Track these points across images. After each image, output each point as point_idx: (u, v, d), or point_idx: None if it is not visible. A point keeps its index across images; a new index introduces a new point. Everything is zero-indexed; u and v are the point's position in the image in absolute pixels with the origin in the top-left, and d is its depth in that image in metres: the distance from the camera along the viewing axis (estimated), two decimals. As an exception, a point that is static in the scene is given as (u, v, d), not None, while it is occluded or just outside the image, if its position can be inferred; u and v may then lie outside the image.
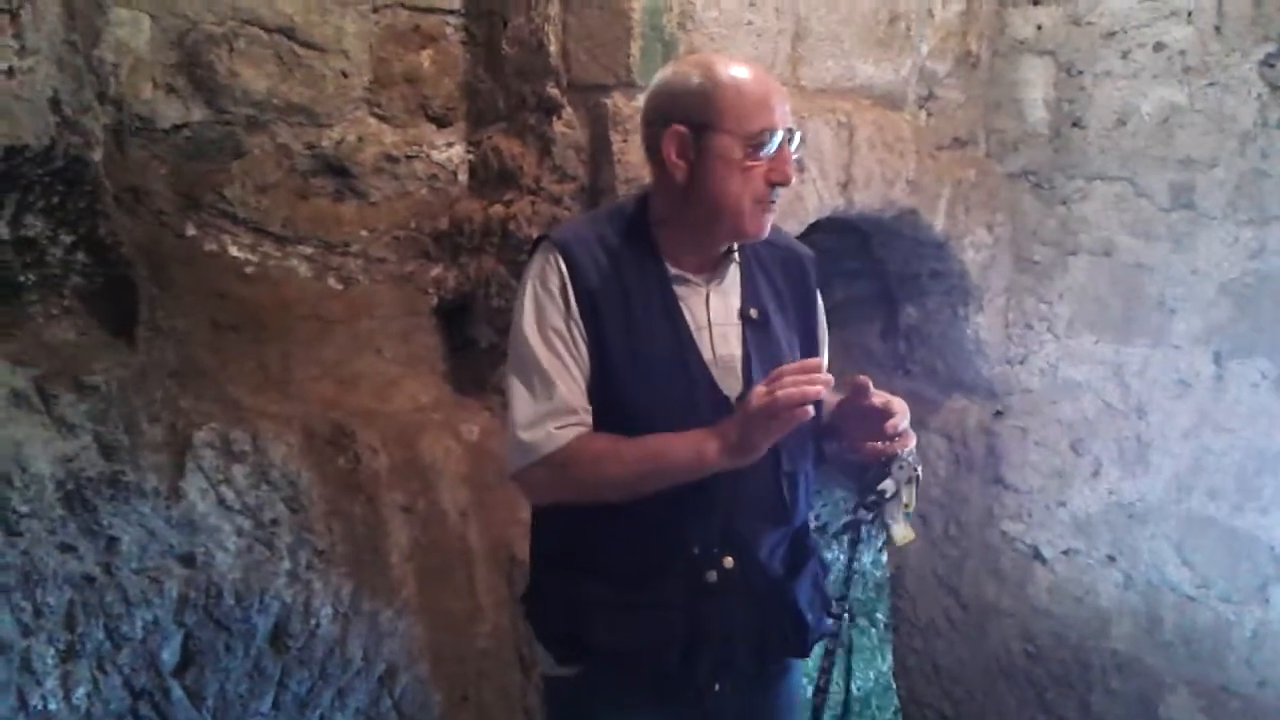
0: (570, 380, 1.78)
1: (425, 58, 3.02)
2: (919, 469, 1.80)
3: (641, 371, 1.77)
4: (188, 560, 2.41)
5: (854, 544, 1.92)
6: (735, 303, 1.86)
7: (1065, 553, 3.37)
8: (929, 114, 3.21)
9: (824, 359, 2.00)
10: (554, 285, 1.79)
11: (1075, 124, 3.25)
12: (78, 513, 2.30)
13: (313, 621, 2.52)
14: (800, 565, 1.93)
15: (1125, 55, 3.15)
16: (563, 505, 1.84)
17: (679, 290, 1.83)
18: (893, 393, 1.94)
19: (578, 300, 1.78)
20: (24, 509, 2.23)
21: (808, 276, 2.00)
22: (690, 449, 1.71)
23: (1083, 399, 3.32)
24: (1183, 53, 3.06)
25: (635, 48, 2.63)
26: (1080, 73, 3.23)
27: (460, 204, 3.07)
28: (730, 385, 1.81)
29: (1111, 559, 3.28)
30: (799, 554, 1.95)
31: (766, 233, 1.81)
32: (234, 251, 2.80)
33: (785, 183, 1.76)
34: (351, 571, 2.57)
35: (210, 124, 2.75)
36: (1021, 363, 3.43)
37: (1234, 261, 3.02)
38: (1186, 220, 3.09)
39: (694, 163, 1.77)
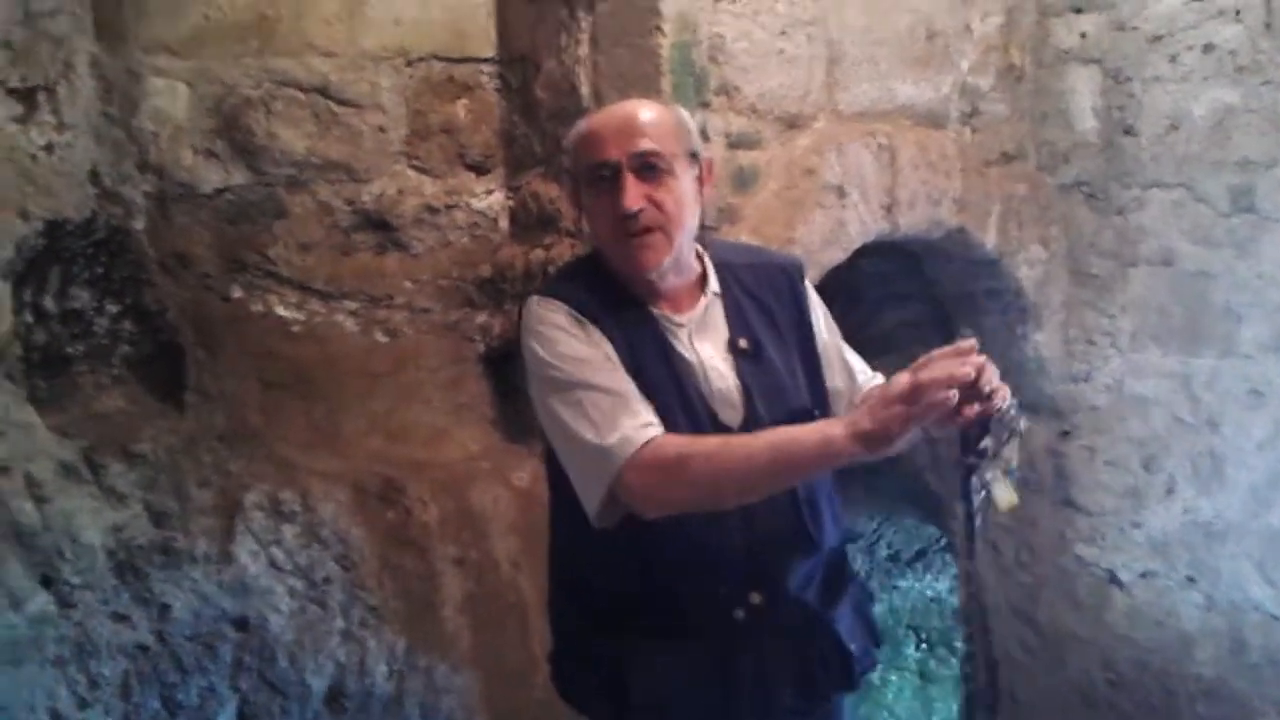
0: (625, 383, 1.68)
1: (461, 107, 3.02)
2: (1022, 422, 1.62)
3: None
4: (241, 624, 2.42)
5: (969, 517, 1.68)
6: (723, 335, 1.81)
7: (1143, 575, 3.25)
8: (974, 130, 3.14)
9: (840, 351, 1.93)
10: (563, 321, 1.73)
11: (1127, 131, 3.16)
12: (129, 581, 2.32)
13: (368, 680, 2.50)
14: (838, 594, 1.86)
15: (1174, 59, 3.06)
16: (578, 561, 1.81)
17: (668, 332, 1.79)
18: None
19: (598, 330, 1.73)
20: (76, 580, 2.25)
21: (795, 285, 1.92)
22: (816, 434, 1.58)
23: (1152, 414, 3.20)
24: (1233, 52, 2.97)
25: (666, 84, 2.60)
26: (1128, 79, 3.14)
27: (502, 250, 3.06)
28: (731, 418, 1.76)
29: (1191, 580, 3.16)
30: (836, 582, 1.87)
31: (652, 265, 1.73)
32: (280, 311, 2.82)
33: (627, 214, 1.69)
34: (405, 627, 2.56)
35: (251, 186, 2.78)
36: (1086, 380, 3.33)
37: (1302, 264, 2.91)
38: (1248, 224, 2.99)
39: (583, 215, 1.82)
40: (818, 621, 1.81)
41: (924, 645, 5.53)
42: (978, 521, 1.62)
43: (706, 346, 1.80)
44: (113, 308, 2.47)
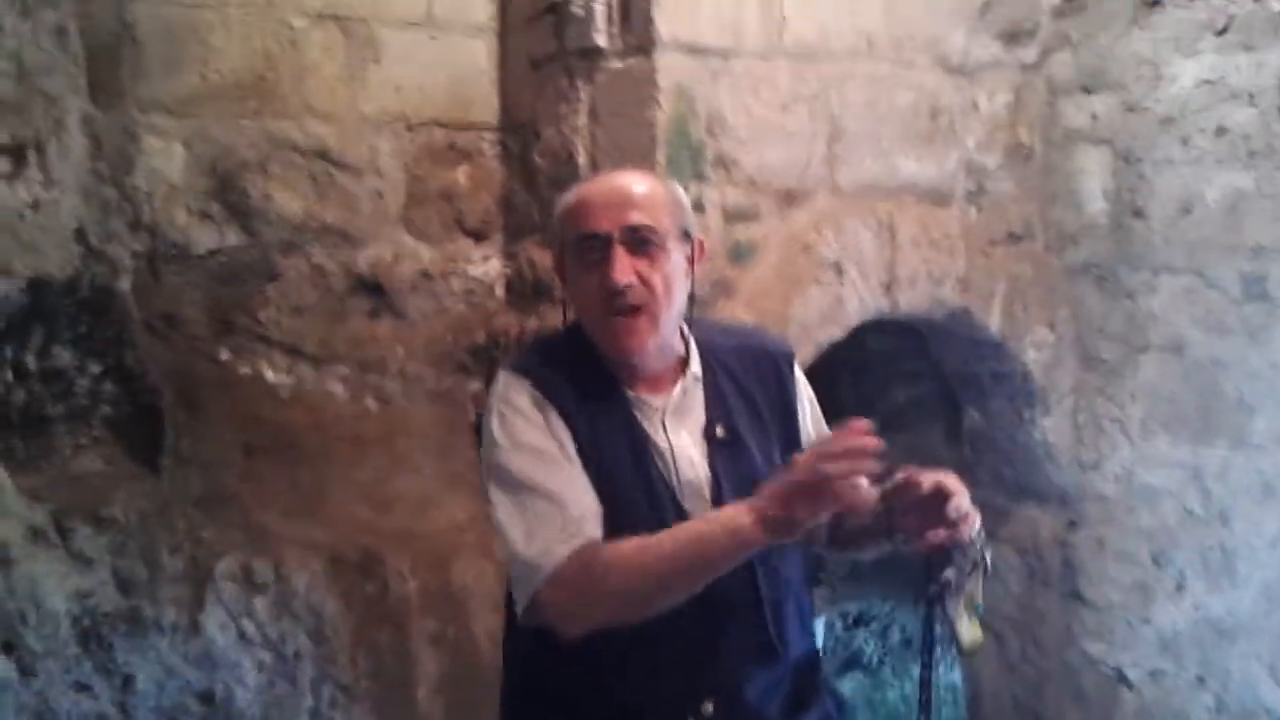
0: (568, 484, 1.62)
1: (461, 174, 3.00)
2: (987, 557, 1.57)
3: (607, 499, 1.63)
4: (206, 698, 2.35)
5: (927, 649, 1.69)
6: (700, 421, 1.73)
7: (1151, 674, 3.13)
8: (980, 209, 3.09)
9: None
10: (525, 404, 1.66)
11: (1137, 214, 3.10)
12: (93, 650, 2.26)
13: (336, 760, 2.42)
14: (805, 708, 1.75)
15: (1185, 141, 3.01)
16: (533, 650, 1.70)
17: (638, 414, 1.71)
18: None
19: (558, 416, 1.66)
20: (38, 647, 2.20)
21: (782, 373, 1.83)
22: (722, 527, 1.51)
23: (1162, 506, 3.11)
24: (1246, 136, 2.92)
25: (661, 156, 2.58)
26: (1139, 160, 3.09)
27: (497, 318, 3.02)
28: (698, 510, 1.66)
29: (1201, 680, 3.04)
30: (804, 695, 1.76)
31: (636, 348, 1.65)
32: (269, 375, 2.77)
33: (614, 289, 1.61)
34: (376, 707, 2.49)
35: (245, 248, 2.75)
36: (1095, 468, 3.23)
37: (1315, 354, 2.83)
38: (1261, 312, 2.91)
39: (565, 280, 1.76)
40: None
41: (935, 733, 5.37)
42: (937, 654, 1.57)
43: (681, 433, 1.71)
44: (95, 368, 2.43)
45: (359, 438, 2.84)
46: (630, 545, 1.56)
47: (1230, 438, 2.98)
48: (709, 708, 1.64)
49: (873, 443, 1.43)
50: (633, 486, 1.66)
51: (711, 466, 1.70)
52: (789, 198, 2.76)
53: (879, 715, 5.16)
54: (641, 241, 1.64)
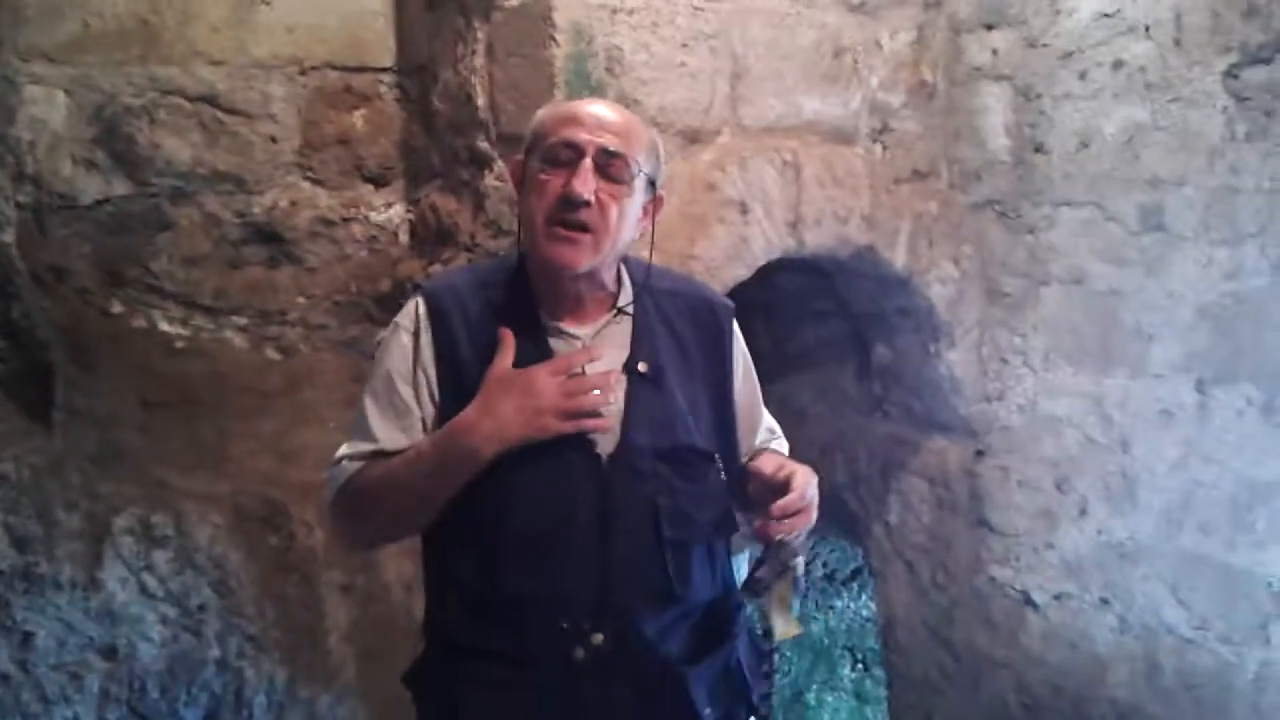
0: (387, 425, 1.69)
1: (359, 118, 2.95)
2: (798, 562, 1.61)
3: None
4: (109, 653, 2.32)
5: (749, 631, 1.82)
6: (623, 356, 1.72)
7: (1057, 597, 3.20)
8: (885, 147, 3.09)
9: (752, 410, 1.90)
10: (407, 329, 1.72)
11: (1038, 149, 3.12)
12: (-12, 609, 2.21)
13: (245, 712, 2.41)
14: (706, 651, 1.74)
15: (1084, 75, 3.03)
16: (442, 576, 1.74)
17: (554, 343, 1.71)
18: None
19: (435, 347, 1.69)
20: (-71, 608, 2.15)
21: (720, 323, 1.84)
22: (442, 433, 1.64)
23: (1064, 434, 3.16)
24: (1143, 69, 2.94)
25: (559, 96, 2.53)
26: (1039, 96, 3.11)
27: (402, 265, 2.98)
28: (606, 442, 1.68)
29: (1105, 602, 3.11)
30: (708, 638, 1.75)
31: (569, 263, 1.65)
32: (164, 326, 2.73)
33: (573, 198, 1.61)
34: (286, 657, 2.47)
35: (133, 197, 2.69)
36: (999, 399, 3.29)
37: (1210, 283, 2.88)
38: (1158, 243, 2.95)
39: (520, 187, 1.74)
40: (669, 677, 1.70)
41: (860, 665, 5.49)
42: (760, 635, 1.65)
43: (599, 364, 1.70)
44: (-21, 323, 2.37)
45: (261, 389, 2.80)
46: (381, 466, 1.68)
47: (1130, 367, 3.03)
48: (599, 638, 1.65)
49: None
50: None
51: (629, 399, 1.69)
52: (692, 137, 2.73)
53: (803, 648, 5.26)
54: (611, 168, 1.64)
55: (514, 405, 1.61)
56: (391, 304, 2.98)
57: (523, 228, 1.72)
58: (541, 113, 1.75)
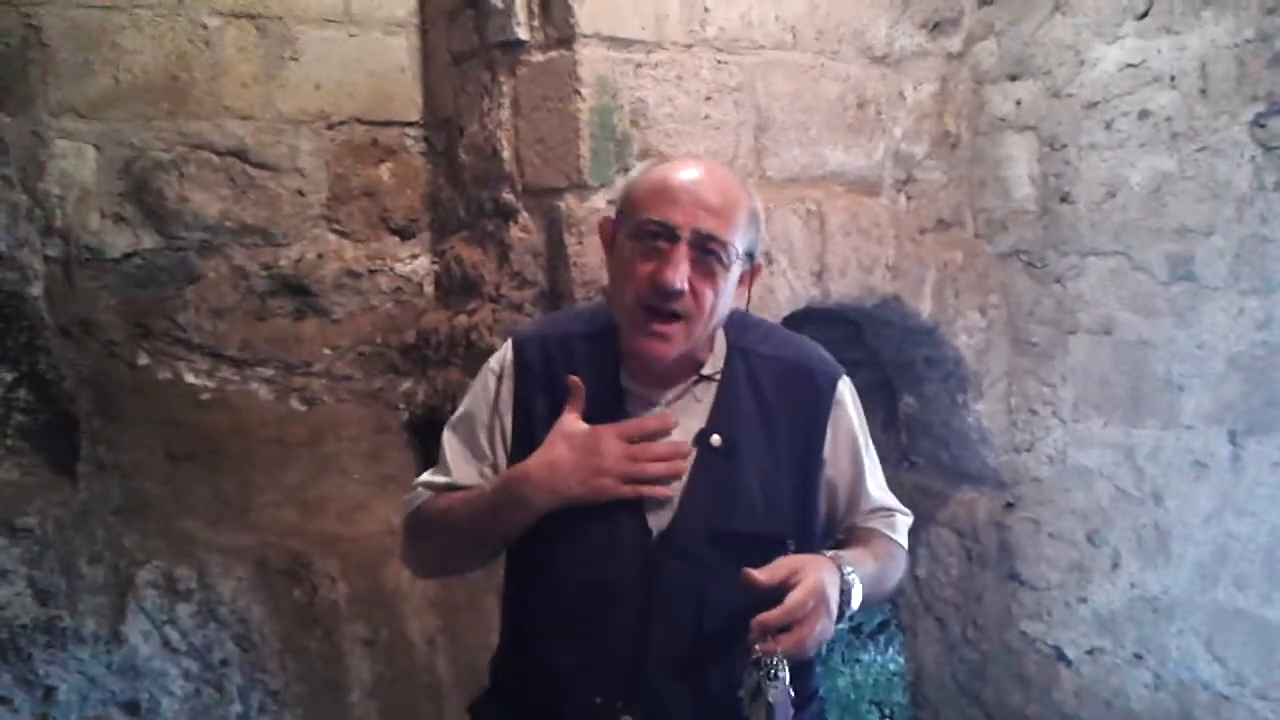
0: (462, 462, 1.72)
1: (385, 171, 2.97)
2: (772, 687, 1.43)
3: None
4: (131, 708, 2.31)
5: None
6: (699, 425, 1.65)
7: (1090, 652, 3.14)
8: (909, 197, 3.09)
9: (852, 487, 1.76)
10: (494, 373, 1.72)
11: (1063, 199, 3.11)
12: (11, 663, 2.21)
13: (266, 767, 2.38)
14: None
15: (1109, 125, 3.02)
16: (505, 633, 1.76)
17: (631, 407, 1.66)
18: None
19: (515, 396, 1.68)
20: (-47, 662, 2.14)
21: (820, 395, 1.70)
22: (502, 478, 1.65)
23: (1095, 486, 3.12)
24: (1169, 119, 2.93)
25: (585, 149, 2.55)
26: (1064, 146, 3.10)
27: (427, 316, 3.00)
28: (662, 517, 1.61)
29: (1139, 657, 3.05)
30: None
31: (660, 356, 1.59)
32: (189, 378, 2.74)
33: (663, 285, 1.53)
34: (308, 712, 2.45)
35: (161, 251, 2.72)
36: (1029, 450, 3.25)
37: (1241, 333, 2.84)
38: (1188, 293, 2.92)
39: (612, 259, 1.68)
40: None
41: (887, 720, 5.40)
42: None
43: (675, 434, 1.63)
44: (7, 375, 2.38)
45: (285, 441, 2.81)
46: (442, 500, 1.71)
47: (1161, 417, 2.99)
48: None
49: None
50: None
51: (692, 474, 1.62)
52: (717, 189, 2.73)
53: (829, 702, 5.16)
54: (707, 251, 1.57)
55: (574, 462, 1.57)
56: (416, 355, 3.00)
57: (612, 300, 1.66)
58: (636, 176, 1.67)
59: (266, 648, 2.43)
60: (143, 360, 2.67)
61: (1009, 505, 3.28)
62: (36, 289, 2.41)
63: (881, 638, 5.34)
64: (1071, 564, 3.17)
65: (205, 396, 2.72)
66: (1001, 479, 3.29)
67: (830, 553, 1.61)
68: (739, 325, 1.72)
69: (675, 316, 1.56)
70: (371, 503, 2.86)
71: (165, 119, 2.68)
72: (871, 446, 1.81)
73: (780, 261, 2.79)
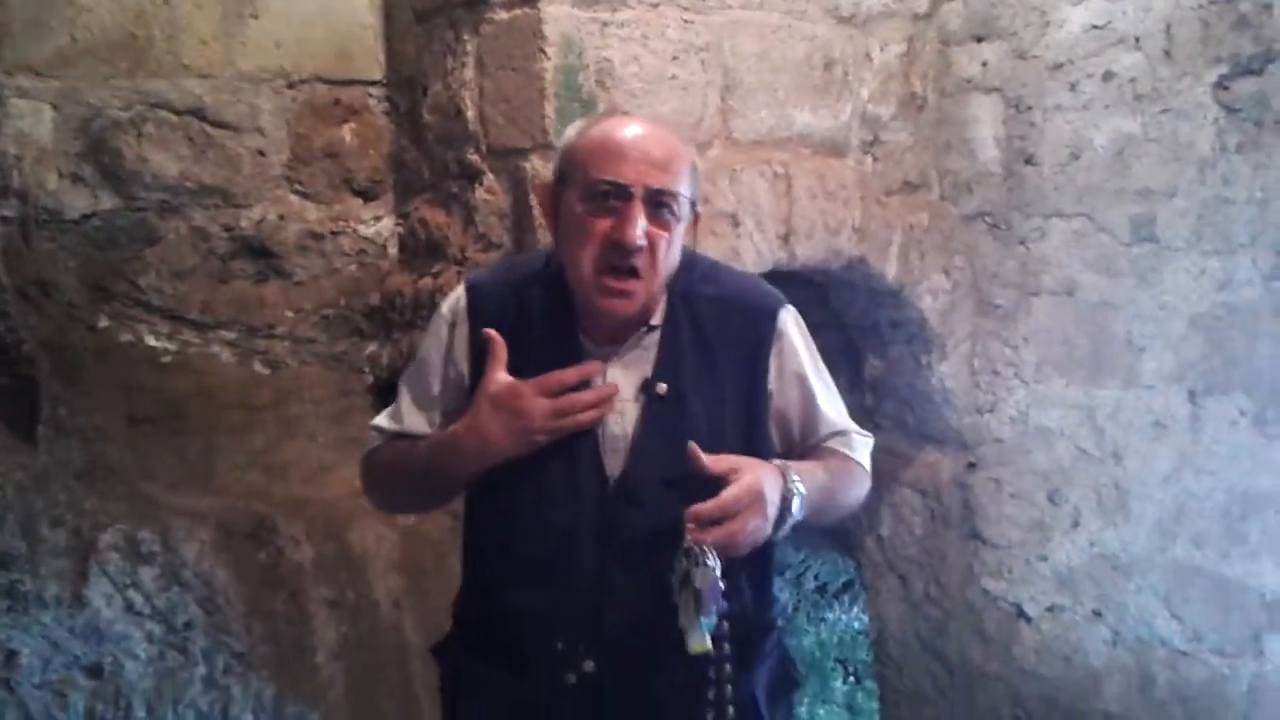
0: (413, 410, 1.75)
1: (347, 131, 2.93)
2: (700, 574, 1.45)
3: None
4: (94, 671, 2.29)
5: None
6: (644, 374, 1.67)
7: (1050, 610, 3.19)
8: (875, 159, 3.09)
9: (804, 413, 1.77)
10: (446, 320, 1.74)
11: (1028, 161, 3.12)
12: (-28, 627, 2.19)
13: (232, 729, 2.38)
14: (715, 682, 1.62)
15: (1074, 87, 3.03)
16: (465, 570, 1.79)
17: (582, 361, 1.67)
18: None
19: (469, 341, 1.70)
20: (-88, 627, 2.12)
21: (760, 330, 1.72)
22: (434, 440, 1.70)
23: (1056, 446, 3.16)
24: (1133, 80, 2.94)
25: (550, 108, 2.53)
26: (1029, 108, 3.11)
27: (391, 278, 2.97)
28: (617, 465, 1.64)
29: (1098, 614, 3.10)
30: (719, 672, 1.63)
31: (620, 313, 1.61)
32: (150, 341, 2.70)
33: (624, 243, 1.55)
34: (274, 674, 2.44)
35: (121, 211, 2.67)
36: (991, 411, 3.28)
37: (1202, 294, 2.87)
38: (1149, 254, 2.95)
39: (556, 221, 1.68)
40: (666, 711, 1.65)
41: (851, 678, 5.47)
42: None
43: (622, 384, 1.66)
44: (-36, 339, 2.35)
45: (248, 404, 2.79)
46: (389, 449, 1.76)
47: (1121, 378, 3.03)
48: (589, 665, 1.63)
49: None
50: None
51: (641, 421, 1.65)
52: (683, 149, 2.72)
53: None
54: (661, 206, 1.58)
55: (503, 425, 1.60)
56: (380, 318, 2.97)
57: (566, 265, 1.65)
58: (574, 137, 1.66)
59: (231, 610, 2.42)
60: (103, 323, 2.63)
61: (971, 465, 3.32)
62: (-8, 251, 2.37)
63: (846, 597, 5.40)
64: (1032, 523, 3.22)
65: (167, 360, 2.69)
66: (964, 440, 3.32)
67: (778, 461, 1.64)
68: (681, 268, 1.73)
69: (634, 273, 1.58)
70: (336, 465, 2.85)
71: (123, 77, 2.63)
72: (824, 372, 1.83)
73: (746, 224, 2.79)
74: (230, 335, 2.78)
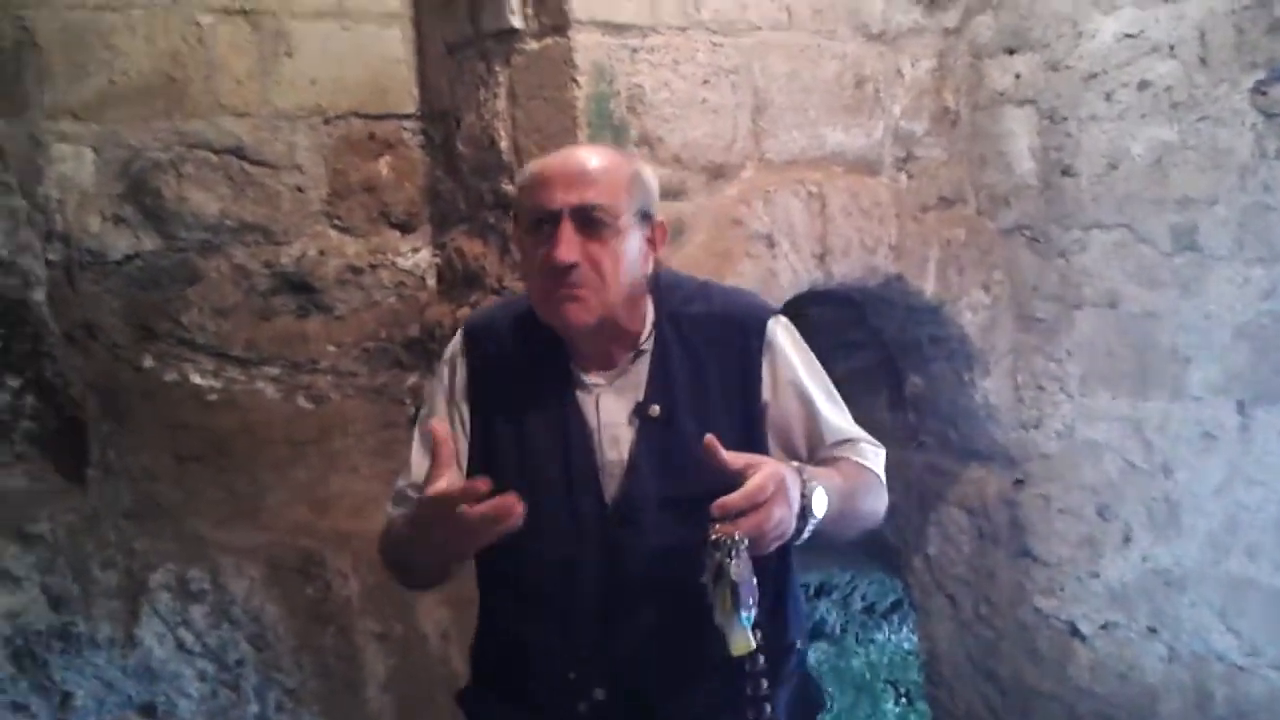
0: (421, 458, 1.71)
1: (383, 164, 2.95)
2: (730, 565, 1.38)
3: (528, 474, 1.63)
4: (148, 710, 2.32)
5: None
6: (636, 399, 1.67)
7: (1104, 627, 3.14)
8: (909, 175, 3.08)
9: (807, 424, 1.72)
10: (447, 363, 1.77)
11: (1065, 172, 3.09)
12: (28, 669, 2.22)
13: (285, 765, 2.39)
14: (733, 706, 1.59)
15: (1109, 97, 3.00)
16: (480, 611, 1.78)
17: (580, 395, 1.68)
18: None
19: (468, 385, 1.72)
20: (-31, 670, 2.14)
21: (748, 344, 1.69)
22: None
23: (1104, 460, 3.11)
24: (1169, 89, 2.91)
25: (583, 136, 2.54)
26: (1064, 119, 3.08)
27: (430, 309, 2.98)
28: (613, 491, 1.64)
29: (1153, 630, 3.05)
30: (732, 700, 1.60)
31: (576, 324, 1.61)
32: (195, 379, 2.73)
33: (553, 263, 1.57)
34: (325, 709, 2.45)
35: (162, 251, 2.70)
36: (1037, 426, 3.24)
37: (1247, 303, 2.83)
38: (1192, 263, 2.91)
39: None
40: None
41: (903, 699, 5.41)
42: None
43: (616, 410, 1.67)
44: (13, 382, 2.38)
45: (293, 439, 2.80)
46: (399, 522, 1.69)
47: (1168, 389, 2.99)
48: (599, 693, 1.62)
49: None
50: (552, 465, 1.65)
51: (636, 445, 1.65)
52: (716, 172, 2.73)
53: (844, 682, 5.18)
54: (592, 221, 1.59)
55: (442, 536, 1.52)
56: (420, 349, 2.99)
57: (530, 297, 1.69)
58: (518, 180, 1.72)
59: (281, 646, 2.43)
60: (148, 362, 2.66)
61: (1018, 482, 3.28)
62: (39, 294, 2.41)
63: (895, 617, 5.34)
64: (1082, 539, 3.17)
65: (212, 397, 2.71)
66: (1010, 456, 3.29)
67: (792, 463, 1.58)
68: (666, 288, 1.73)
69: (578, 290, 1.59)
70: (380, 498, 2.80)
71: (161, 118, 2.66)
72: (824, 379, 1.78)
73: (782, 244, 2.78)
74: (274, 371, 2.80)
